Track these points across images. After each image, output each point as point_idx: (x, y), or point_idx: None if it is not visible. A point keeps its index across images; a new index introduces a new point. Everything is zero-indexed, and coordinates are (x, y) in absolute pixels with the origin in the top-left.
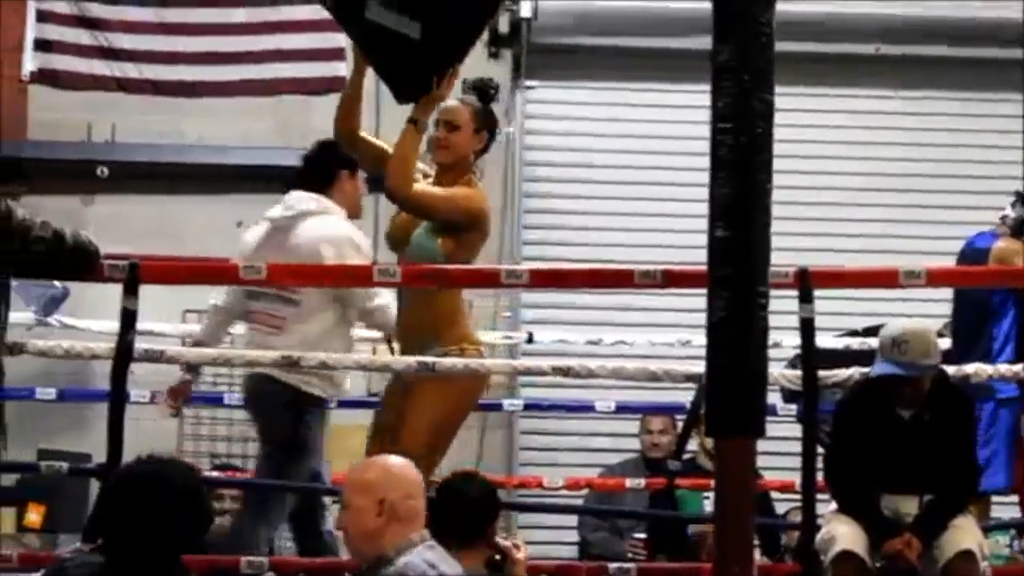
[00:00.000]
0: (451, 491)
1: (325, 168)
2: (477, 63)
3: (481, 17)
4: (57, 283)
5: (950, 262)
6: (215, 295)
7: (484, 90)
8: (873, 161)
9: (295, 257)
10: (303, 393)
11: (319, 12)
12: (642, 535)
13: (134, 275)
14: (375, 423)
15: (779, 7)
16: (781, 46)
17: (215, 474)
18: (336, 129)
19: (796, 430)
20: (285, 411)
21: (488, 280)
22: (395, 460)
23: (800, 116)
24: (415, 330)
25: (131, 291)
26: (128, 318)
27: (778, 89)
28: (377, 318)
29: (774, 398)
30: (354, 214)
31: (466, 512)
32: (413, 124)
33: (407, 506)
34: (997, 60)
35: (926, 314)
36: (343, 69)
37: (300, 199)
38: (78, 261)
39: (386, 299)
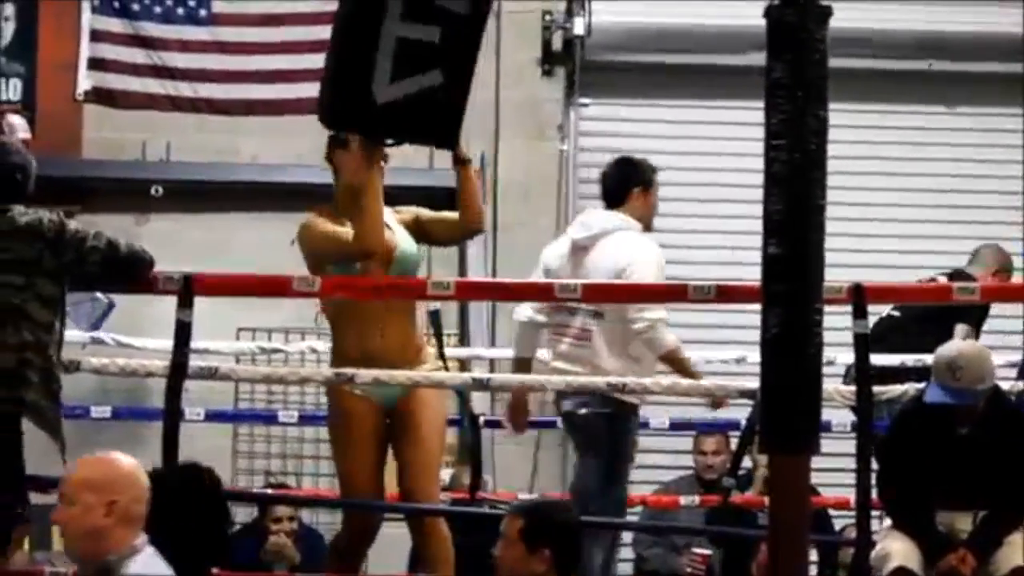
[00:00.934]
0: None
1: (621, 186)
2: (532, 81)
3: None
4: (102, 296)
5: None
6: (518, 311)
7: None
8: (923, 177)
9: (598, 275)
10: (624, 403)
11: None
12: (701, 550)
13: (188, 287)
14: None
15: (832, 23)
16: (836, 62)
17: (268, 491)
18: (369, 250)
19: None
20: (610, 423)
21: (543, 293)
22: (126, 461)
23: (852, 132)
24: (402, 350)
25: (186, 303)
26: (183, 331)
27: (834, 105)
28: (647, 334)
29: (829, 414)
30: (647, 229)
31: None
32: (467, 163)
33: (135, 510)
34: None
35: None
36: None
37: (599, 218)
38: (133, 269)
39: (658, 314)
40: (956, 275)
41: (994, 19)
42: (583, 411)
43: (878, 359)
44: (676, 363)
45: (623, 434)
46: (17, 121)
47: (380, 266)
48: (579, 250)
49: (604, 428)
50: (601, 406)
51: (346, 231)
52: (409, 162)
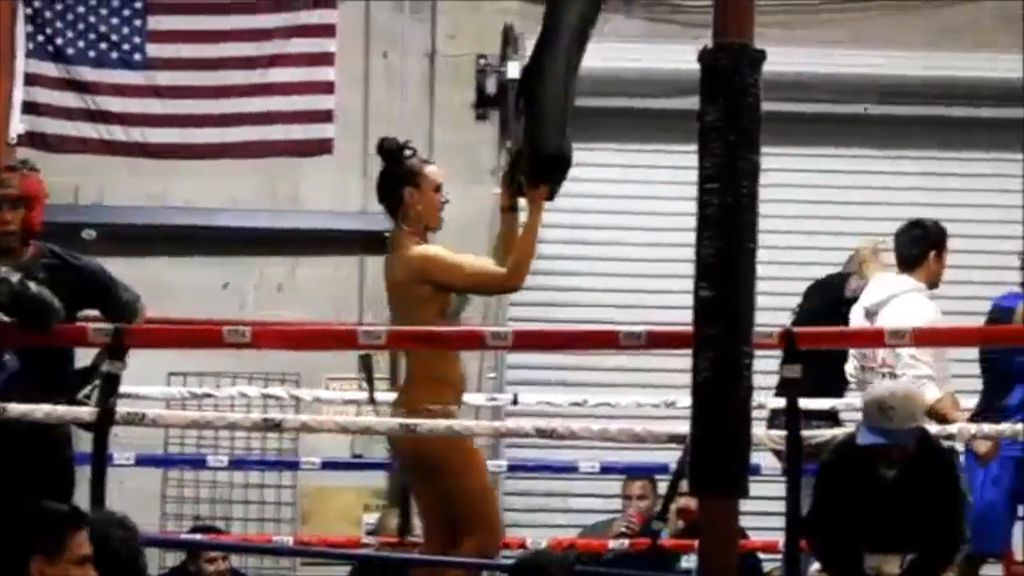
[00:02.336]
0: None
1: (917, 249)
2: (466, 125)
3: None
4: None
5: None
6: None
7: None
8: (861, 221)
9: None
10: None
11: (310, 74)
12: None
13: (119, 339)
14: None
15: (766, 67)
16: (769, 106)
17: (198, 536)
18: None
19: (781, 489)
20: None
21: (473, 342)
22: None
23: (786, 176)
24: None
25: (116, 355)
26: (112, 383)
27: (765, 149)
28: None
29: (758, 457)
30: (934, 287)
31: None
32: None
33: None
34: (986, 120)
35: None
36: (331, 131)
37: (890, 283)
38: (33, 311)
39: (926, 371)
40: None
41: (930, 63)
42: None
43: (807, 403)
44: (936, 415)
45: None
46: None
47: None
48: (870, 315)
49: None
50: None
51: (487, 263)
52: (344, 205)
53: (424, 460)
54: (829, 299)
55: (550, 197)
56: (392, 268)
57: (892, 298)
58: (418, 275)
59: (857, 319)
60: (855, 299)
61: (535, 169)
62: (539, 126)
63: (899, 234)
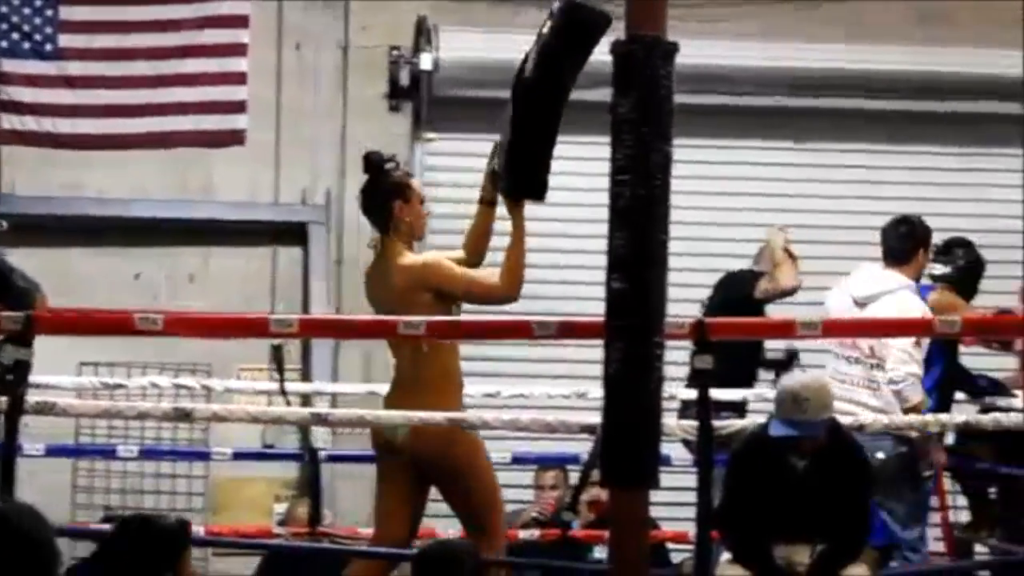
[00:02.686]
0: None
1: (907, 246)
2: (379, 116)
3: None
4: None
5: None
6: None
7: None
8: (775, 213)
9: None
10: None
11: (222, 65)
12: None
13: (29, 326)
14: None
15: (679, 60)
16: (681, 98)
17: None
18: (515, 296)
19: (692, 480)
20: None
21: (386, 331)
22: None
23: (698, 168)
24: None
25: (25, 343)
26: (21, 370)
27: (677, 141)
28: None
29: (669, 448)
30: (917, 282)
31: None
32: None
33: None
34: (899, 112)
35: None
36: (243, 122)
37: (880, 278)
38: None
39: (916, 370)
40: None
41: (844, 56)
42: (880, 454)
43: (718, 394)
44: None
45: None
46: None
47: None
48: (859, 306)
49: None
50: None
51: (485, 273)
52: (256, 196)
53: (444, 462)
54: (738, 295)
55: (535, 198)
56: (387, 277)
57: (884, 294)
58: (420, 282)
59: (842, 307)
60: (765, 300)
61: (512, 189)
62: (514, 139)
63: (887, 230)
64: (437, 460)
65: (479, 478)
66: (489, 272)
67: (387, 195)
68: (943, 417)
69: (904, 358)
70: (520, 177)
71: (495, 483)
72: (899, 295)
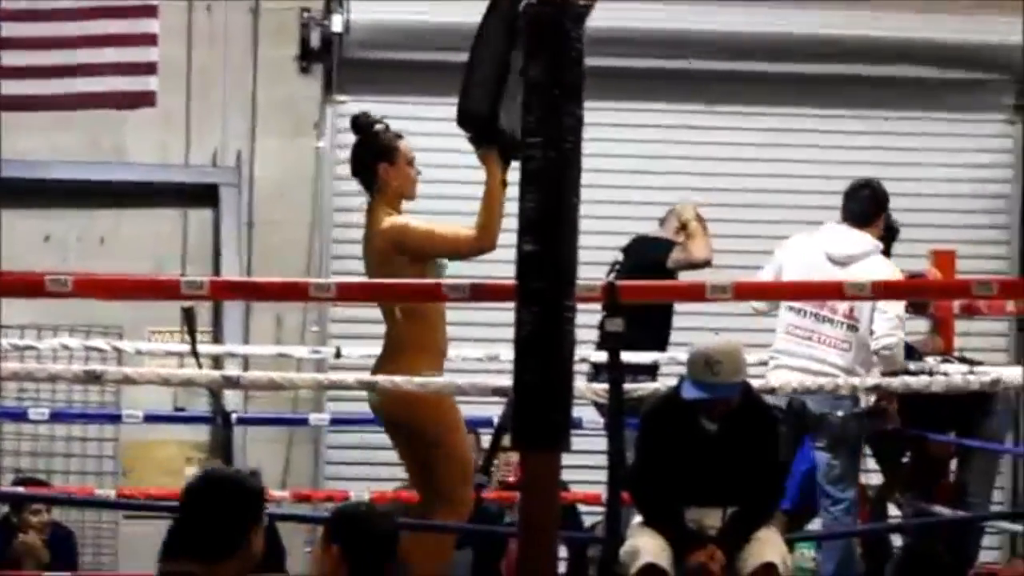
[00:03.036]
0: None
1: (872, 209)
2: (289, 78)
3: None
4: None
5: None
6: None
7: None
8: (686, 176)
9: None
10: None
11: (132, 26)
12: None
13: None
14: None
15: (590, 23)
16: (591, 61)
17: (20, 489)
18: (490, 246)
19: (603, 443)
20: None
21: (297, 293)
22: None
23: (610, 131)
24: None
25: None
26: None
27: (589, 104)
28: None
29: (580, 411)
30: None
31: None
32: (504, 185)
33: None
34: (809, 75)
35: None
36: (154, 84)
37: (856, 239)
38: None
39: (902, 335)
40: (645, 240)
41: (754, 18)
42: (840, 412)
43: (629, 357)
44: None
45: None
46: None
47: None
48: (838, 265)
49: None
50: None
51: (458, 228)
52: (167, 158)
53: (410, 425)
54: (649, 261)
55: (507, 159)
56: (369, 241)
57: (864, 256)
58: (395, 246)
59: (814, 264)
60: (676, 269)
61: (460, 125)
62: (467, 84)
63: (849, 194)
64: (402, 422)
65: (445, 443)
66: (461, 225)
67: (373, 157)
68: (853, 380)
69: (896, 323)
70: (467, 114)
71: (464, 451)
72: (875, 259)
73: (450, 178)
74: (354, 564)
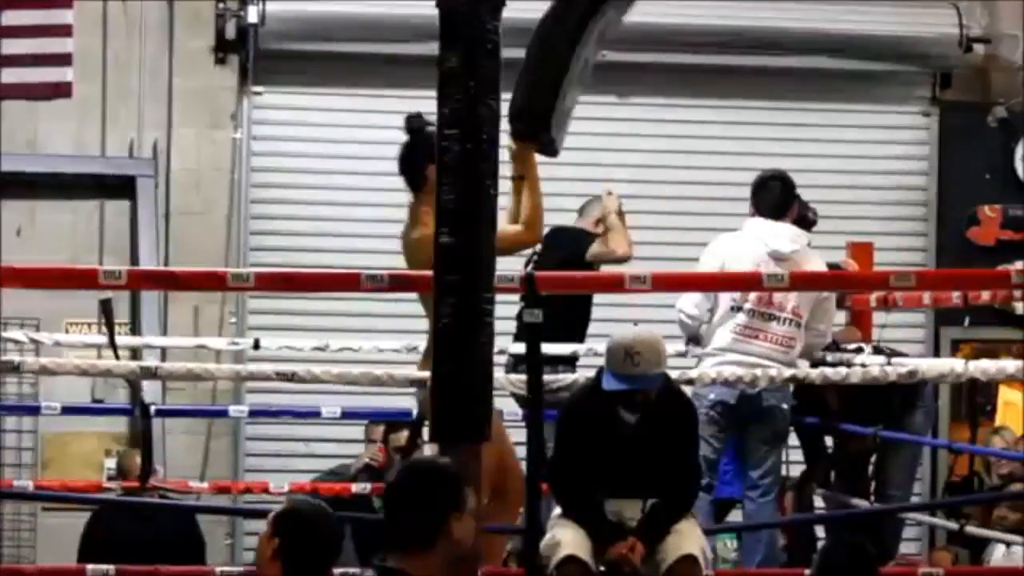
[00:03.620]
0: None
1: (786, 201)
2: (205, 70)
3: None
4: None
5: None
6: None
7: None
8: (596, 168)
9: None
10: None
11: (47, 17)
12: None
13: None
14: None
15: (506, 14)
16: (509, 53)
17: None
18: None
19: (523, 435)
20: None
21: (215, 283)
22: None
23: None
24: None
25: None
26: None
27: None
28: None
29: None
30: None
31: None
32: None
33: None
34: (726, 67)
35: None
36: (70, 75)
37: (794, 233)
38: None
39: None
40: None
41: (678, 10)
42: (785, 405)
43: (548, 348)
44: None
45: None
46: None
47: None
48: (781, 260)
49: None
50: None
51: (502, 225)
52: (83, 149)
53: None
54: (569, 253)
55: (546, 152)
56: (409, 235)
57: (803, 251)
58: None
59: (757, 259)
60: (595, 262)
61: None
62: (527, 82)
63: (760, 186)
64: None
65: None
66: (504, 222)
67: (423, 158)
68: (772, 371)
69: (834, 317)
70: (527, 113)
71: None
72: (810, 250)
73: (363, 169)
74: (289, 562)
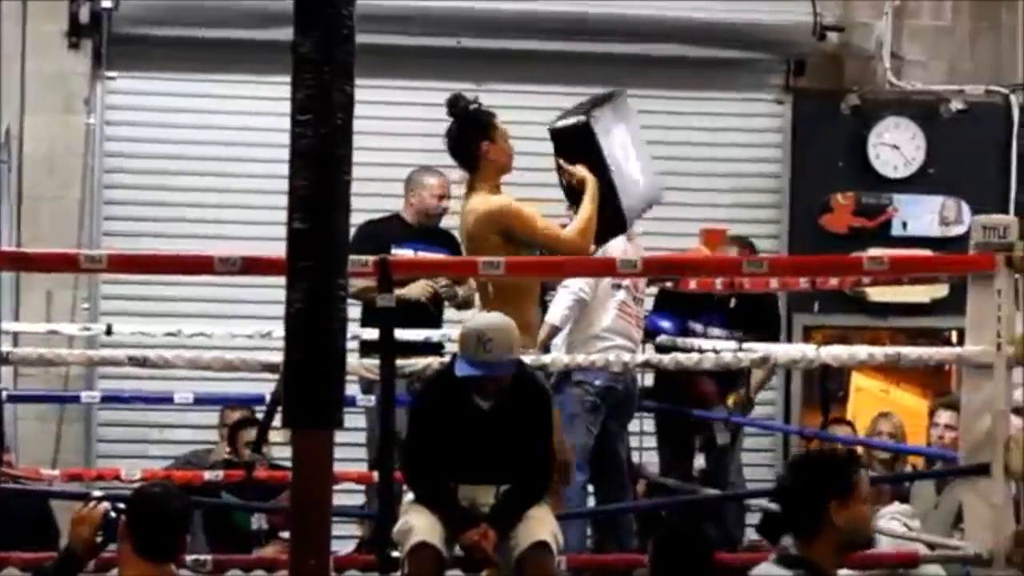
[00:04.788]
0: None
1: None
2: (59, 54)
3: None
4: None
5: None
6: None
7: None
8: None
9: None
10: None
11: None
12: None
13: None
14: None
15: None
16: (364, 38)
17: None
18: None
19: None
20: None
21: (67, 264)
22: None
23: (382, 108)
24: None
25: None
26: None
27: (361, 81)
28: None
29: (352, 389)
30: None
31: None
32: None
33: None
34: (579, 54)
35: None
36: None
37: None
38: None
39: None
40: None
41: None
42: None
43: (401, 334)
44: None
45: None
46: None
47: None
48: (630, 240)
49: None
50: None
51: (557, 226)
52: None
53: None
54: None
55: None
56: (466, 215)
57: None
58: (494, 225)
59: (620, 242)
60: None
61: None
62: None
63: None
64: None
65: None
66: (561, 225)
67: (475, 135)
68: (625, 356)
69: (572, 301)
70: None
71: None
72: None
73: (217, 155)
74: (139, 541)
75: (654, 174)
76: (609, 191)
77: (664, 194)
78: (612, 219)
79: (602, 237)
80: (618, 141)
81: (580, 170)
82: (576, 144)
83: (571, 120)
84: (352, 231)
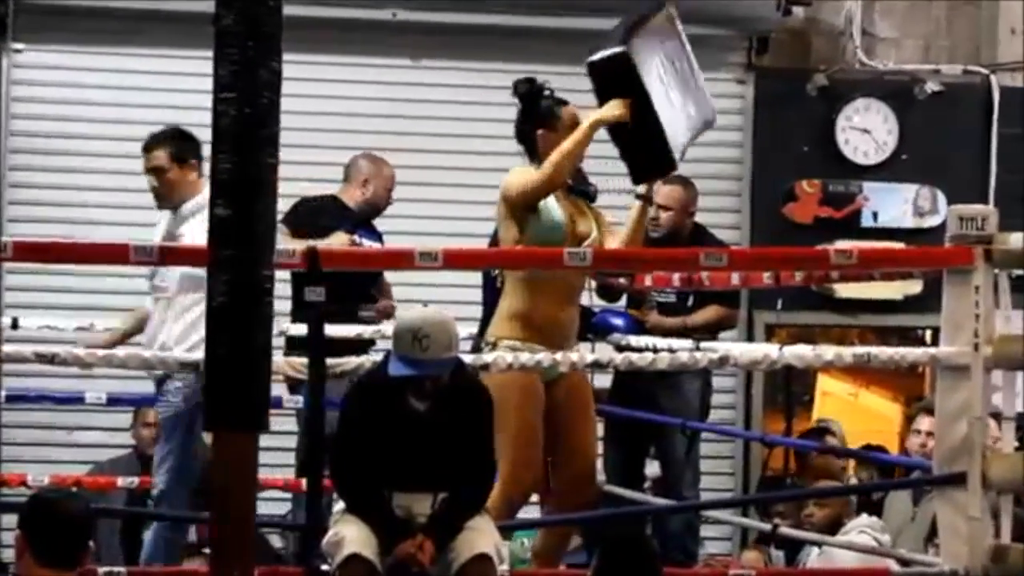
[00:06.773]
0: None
1: None
2: None
3: None
4: None
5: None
6: None
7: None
8: (390, 136)
9: None
10: None
11: None
12: None
13: None
14: None
15: None
16: (291, 10)
17: None
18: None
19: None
20: None
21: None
22: None
23: (311, 86)
24: (573, 325)
25: None
26: None
27: (287, 57)
28: None
29: (279, 389)
30: None
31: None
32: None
33: None
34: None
35: None
36: None
37: None
38: None
39: None
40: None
41: None
42: None
43: (331, 329)
44: None
45: None
46: None
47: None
48: None
49: None
50: None
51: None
52: None
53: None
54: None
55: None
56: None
57: None
58: (501, 196)
59: None
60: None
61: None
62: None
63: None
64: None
65: (498, 419)
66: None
67: (532, 124)
68: (587, 354)
69: None
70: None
71: (520, 430)
72: None
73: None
74: (37, 549)
75: (701, 93)
76: (654, 128)
77: (715, 114)
78: (660, 158)
79: (650, 176)
80: (659, 69)
81: (613, 107)
82: (615, 77)
83: (607, 52)
84: (285, 207)
